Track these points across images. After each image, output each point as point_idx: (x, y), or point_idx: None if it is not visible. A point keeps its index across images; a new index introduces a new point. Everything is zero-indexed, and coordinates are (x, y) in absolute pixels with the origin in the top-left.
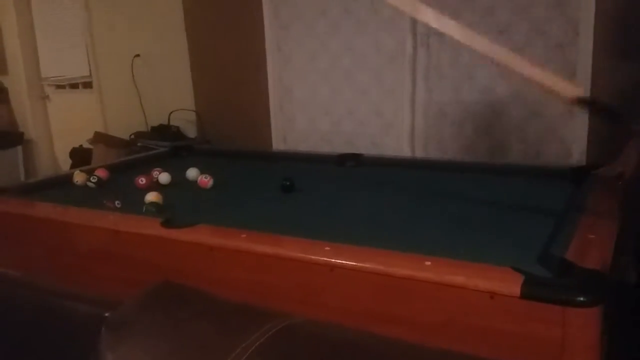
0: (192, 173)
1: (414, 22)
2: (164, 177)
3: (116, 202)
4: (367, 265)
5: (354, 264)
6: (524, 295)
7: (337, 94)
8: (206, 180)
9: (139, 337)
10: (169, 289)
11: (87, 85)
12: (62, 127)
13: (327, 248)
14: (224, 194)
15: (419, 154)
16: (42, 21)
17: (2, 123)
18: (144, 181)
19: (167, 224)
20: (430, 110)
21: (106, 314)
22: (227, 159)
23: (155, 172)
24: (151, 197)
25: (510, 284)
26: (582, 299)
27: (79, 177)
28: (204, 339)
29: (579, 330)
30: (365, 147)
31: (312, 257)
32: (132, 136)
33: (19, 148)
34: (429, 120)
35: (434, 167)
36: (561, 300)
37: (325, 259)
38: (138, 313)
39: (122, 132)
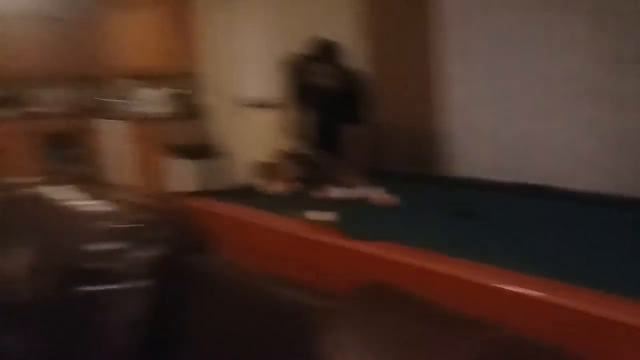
0: (374, 190)
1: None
2: (336, 192)
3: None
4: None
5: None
6: None
7: (526, 122)
8: (387, 198)
9: (357, 332)
10: (382, 289)
11: (279, 106)
12: (252, 142)
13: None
14: (403, 214)
15: (610, 189)
16: (242, 47)
17: (201, 137)
18: (320, 194)
19: (355, 236)
20: (625, 143)
21: (316, 304)
22: (406, 181)
23: (330, 187)
24: (320, 215)
25: None
26: None
27: (273, 186)
28: (427, 343)
29: None
30: (552, 179)
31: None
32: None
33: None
34: (623, 154)
35: (633, 205)
36: None
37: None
38: (355, 307)
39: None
